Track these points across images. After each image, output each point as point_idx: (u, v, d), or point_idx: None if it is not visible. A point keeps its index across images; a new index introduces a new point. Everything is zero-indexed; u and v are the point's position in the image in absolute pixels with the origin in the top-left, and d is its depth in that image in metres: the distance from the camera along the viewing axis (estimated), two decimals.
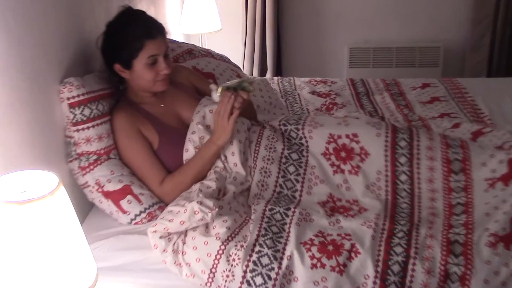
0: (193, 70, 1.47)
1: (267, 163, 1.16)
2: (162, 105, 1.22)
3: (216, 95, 1.12)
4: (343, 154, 1.13)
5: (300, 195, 1.11)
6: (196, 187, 1.08)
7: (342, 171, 1.12)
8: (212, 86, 1.15)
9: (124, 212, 1.10)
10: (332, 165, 1.14)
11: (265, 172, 1.15)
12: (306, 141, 1.18)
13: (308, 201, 1.08)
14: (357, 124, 1.16)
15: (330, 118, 1.26)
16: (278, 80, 2.07)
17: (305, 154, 1.17)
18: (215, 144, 1.11)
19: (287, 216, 1.00)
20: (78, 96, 1.07)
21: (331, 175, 1.13)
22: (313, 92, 1.84)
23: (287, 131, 1.21)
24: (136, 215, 1.11)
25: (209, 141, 1.12)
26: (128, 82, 1.19)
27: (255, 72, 2.60)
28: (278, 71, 2.60)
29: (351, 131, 1.13)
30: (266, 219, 0.99)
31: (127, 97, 1.22)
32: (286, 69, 2.64)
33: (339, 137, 1.14)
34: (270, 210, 1.02)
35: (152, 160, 1.14)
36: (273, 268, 0.88)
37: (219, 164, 1.14)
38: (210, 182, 1.09)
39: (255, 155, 1.17)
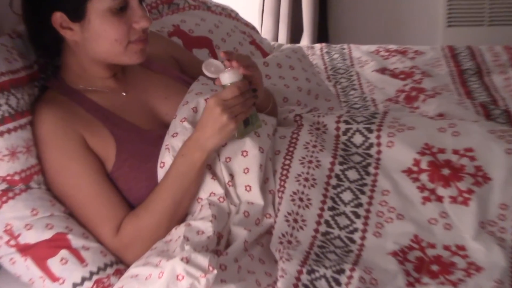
0: (172, 40, 1.54)
1: (304, 186, 1.20)
2: (124, 94, 1.30)
3: (226, 74, 1.15)
4: (445, 171, 1.17)
5: (362, 240, 1.14)
6: (178, 232, 1.11)
7: (439, 199, 1.16)
8: (208, 65, 1.18)
9: (54, 279, 1.11)
10: (422, 188, 1.18)
11: (301, 200, 1.19)
12: (379, 151, 1.25)
13: (376, 250, 1.11)
14: (471, 131, 1.24)
15: (422, 118, 1.35)
16: (321, 50, 2.14)
17: (373, 171, 1.22)
18: (200, 148, 1.13)
19: (339, 284, 1.02)
20: None
21: (418, 204, 1.16)
22: (383, 70, 1.87)
23: (349, 133, 1.29)
24: (75, 285, 1.11)
25: (189, 143, 1.15)
26: (71, 52, 1.24)
27: (282, 36, 2.64)
28: (321, 35, 2.64)
29: (462, 145, 1.20)
30: None
31: (62, 81, 1.27)
32: (335, 31, 2.67)
33: (442, 151, 1.21)
34: (310, 273, 1.04)
35: (103, 189, 1.18)
36: None
37: (217, 188, 1.18)
38: (203, 224, 1.11)
39: (284, 172, 1.22)
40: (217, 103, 1.10)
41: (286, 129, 1.35)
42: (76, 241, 1.13)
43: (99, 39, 1.18)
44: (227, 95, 1.11)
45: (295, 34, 2.69)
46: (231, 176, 1.18)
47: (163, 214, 1.15)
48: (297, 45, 2.38)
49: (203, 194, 1.18)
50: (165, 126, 1.26)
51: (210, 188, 1.18)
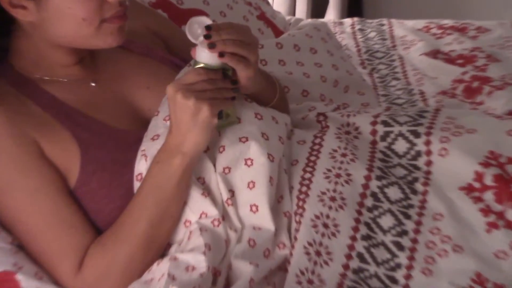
0: (155, 11, 1.57)
1: (330, 208, 1.22)
2: (92, 84, 1.32)
3: (203, 50, 1.16)
4: None
5: (407, 280, 1.13)
6: (161, 269, 1.12)
7: (510, 225, 1.16)
8: (193, 24, 1.17)
9: None
10: (486, 211, 1.18)
11: (325, 226, 1.20)
12: (429, 162, 1.26)
13: None
14: None
15: (487, 118, 1.35)
16: (353, 27, 2.19)
17: (421, 188, 1.23)
18: (179, 151, 1.15)
19: None
20: None
21: (481, 232, 1.16)
22: (434, 54, 1.91)
23: (389, 139, 1.32)
24: None
25: (165, 146, 1.17)
26: (24, 35, 1.25)
27: (301, 8, 2.67)
28: (353, 7, 2.70)
29: None
30: None
31: (11, 69, 1.28)
32: (372, 1, 2.73)
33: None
34: None
35: (62, 212, 1.19)
36: None
37: (210, 208, 1.18)
38: (193, 257, 1.12)
39: (303, 189, 1.25)
40: (176, 88, 1.12)
41: (305, 132, 1.37)
42: (27, 282, 1.12)
43: (61, 19, 1.18)
44: (188, 79, 1.13)
45: (317, 6, 2.70)
46: (231, 192, 1.20)
47: (137, 241, 1.15)
48: (321, 20, 2.39)
49: (192, 215, 1.19)
50: (147, 125, 1.29)
51: (201, 208, 1.19)
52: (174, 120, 1.14)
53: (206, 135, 1.13)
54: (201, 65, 1.15)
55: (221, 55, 1.13)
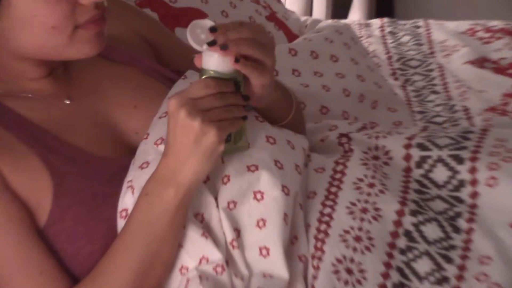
0: (142, 11, 1.57)
1: (355, 250, 1.22)
2: (67, 101, 1.33)
3: (212, 55, 1.15)
4: None
5: None
6: None
7: None
8: (195, 28, 1.16)
9: None
10: None
11: (349, 272, 1.19)
12: (475, 193, 1.26)
13: None
14: None
15: None
16: (383, 29, 2.21)
17: (465, 225, 1.24)
18: (173, 181, 1.14)
19: None
20: None
21: None
22: (481, 62, 1.92)
23: (426, 165, 1.32)
24: None
25: (157, 175, 1.16)
26: None
27: (319, 8, 2.69)
28: (382, 6, 2.73)
29: None
30: None
31: None
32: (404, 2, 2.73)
33: None
34: None
35: (30, 255, 1.18)
36: None
37: (212, 251, 1.18)
38: None
39: (323, 227, 1.25)
40: (180, 103, 1.10)
41: (325, 157, 1.37)
42: None
43: (26, 28, 1.18)
44: (195, 93, 1.11)
45: (339, 5, 2.73)
46: (237, 232, 1.19)
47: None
48: (343, 21, 2.42)
49: (190, 260, 1.19)
50: (134, 150, 1.30)
51: (201, 251, 1.18)
52: (172, 141, 1.12)
53: (208, 164, 1.13)
54: (210, 73, 1.14)
55: (236, 60, 1.12)
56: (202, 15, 1.69)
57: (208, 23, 1.16)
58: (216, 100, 1.11)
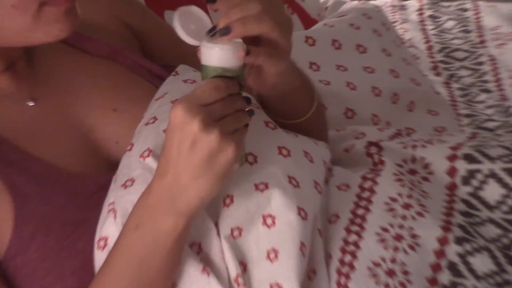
0: None
1: (386, 286, 1.22)
2: (30, 103, 1.34)
3: (215, 48, 1.13)
4: None
5: None
6: None
7: None
8: (183, 15, 1.15)
9: None
10: None
11: None
12: None
13: None
14: None
15: None
16: (421, 13, 2.22)
17: None
18: (173, 209, 1.13)
19: None
20: None
21: None
22: None
23: (475, 182, 1.33)
24: None
25: (150, 200, 1.14)
26: None
27: None
28: None
29: None
30: None
31: None
32: None
33: None
34: None
35: None
36: None
37: None
38: None
39: (347, 258, 1.25)
40: (192, 113, 1.07)
41: (350, 171, 1.38)
42: None
43: None
44: (205, 97, 1.09)
45: None
46: (242, 265, 1.19)
47: None
48: (373, 2, 2.41)
49: None
50: (115, 165, 1.29)
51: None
52: (175, 159, 1.10)
53: (218, 187, 1.10)
54: (217, 71, 1.12)
55: (247, 52, 1.11)
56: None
57: (195, 11, 1.16)
58: (227, 106, 1.10)
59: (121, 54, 1.43)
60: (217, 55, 1.12)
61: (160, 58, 1.48)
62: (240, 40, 1.13)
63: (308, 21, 1.97)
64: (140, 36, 1.52)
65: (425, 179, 1.34)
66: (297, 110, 1.35)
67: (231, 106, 1.10)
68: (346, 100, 1.60)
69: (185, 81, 1.36)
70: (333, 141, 1.50)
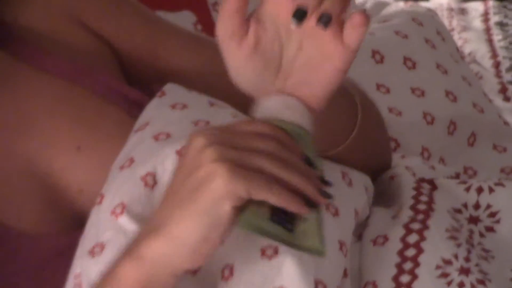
0: None
1: None
2: None
3: (277, 100, 1.15)
4: None
5: None
6: None
7: None
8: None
9: None
10: None
11: None
12: None
13: None
14: None
15: None
16: (487, 19, 2.19)
17: None
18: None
19: None
20: None
21: None
22: None
23: None
24: None
25: (131, 255, 1.12)
26: None
27: None
28: None
29: None
30: None
31: None
32: None
33: None
34: None
35: None
36: None
37: None
38: None
39: None
40: (207, 139, 1.07)
41: (389, 218, 1.34)
42: None
43: None
44: (237, 128, 1.10)
45: None
46: None
47: None
48: (425, 4, 2.48)
49: None
50: (80, 220, 1.27)
51: None
52: (168, 187, 1.12)
53: (198, 231, 1.06)
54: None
55: None
56: None
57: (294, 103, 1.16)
58: (266, 142, 1.08)
59: (88, 75, 1.39)
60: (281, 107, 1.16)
61: (144, 73, 1.45)
62: None
63: None
64: (114, 42, 1.47)
65: (490, 229, 1.32)
66: (324, 140, 1.31)
67: (282, 151, 1.08)
68: (388, 128, 1.58)
69: (173, 106, 1.33)
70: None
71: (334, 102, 1.26)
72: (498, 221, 1.31)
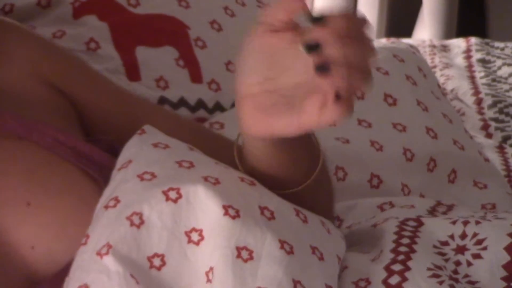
0: (48, 40, 1.60)
1: None
2: None
3: None
4: None
5: None
6: None
7: None
8: None
9: None
10: None
11: None
12: None
13: None
14: None
15: None
16: (469, 55, 2.22)
17: None
18: None
19: None
20: None
21: None
22: None
23: None
24: None
25: None
26: None
27: (370, 21, 2.67)
28: (467, 19, 2.74)
29: None
30: None
31: None
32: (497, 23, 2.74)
33: None
34: None
35: None
36: None
37: None
38: None
39: None
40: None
41: (369, 261, 1.34)
42: None
43: None
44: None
45: (401, 17, 2.81)
46: None
47: None
48: (406, 41, 2.47)
49: None
50: (35, 279, 1.29)
51: None
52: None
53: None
54: None
55: None
56: (178, 25, 1.69)
57: None
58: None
59: (36, 130, 1.38)
60: None
61: (104, 124, 1.45)
62: None
63: None
64: (76, 101, 1.47)
65: (477, 256, 1.31)
66: (290, 177, 1.32)
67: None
68: (370, 164, 1.63)
69: (155, 145, 1.33)
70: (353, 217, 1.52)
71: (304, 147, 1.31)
72: (485, 248, 1.31)
